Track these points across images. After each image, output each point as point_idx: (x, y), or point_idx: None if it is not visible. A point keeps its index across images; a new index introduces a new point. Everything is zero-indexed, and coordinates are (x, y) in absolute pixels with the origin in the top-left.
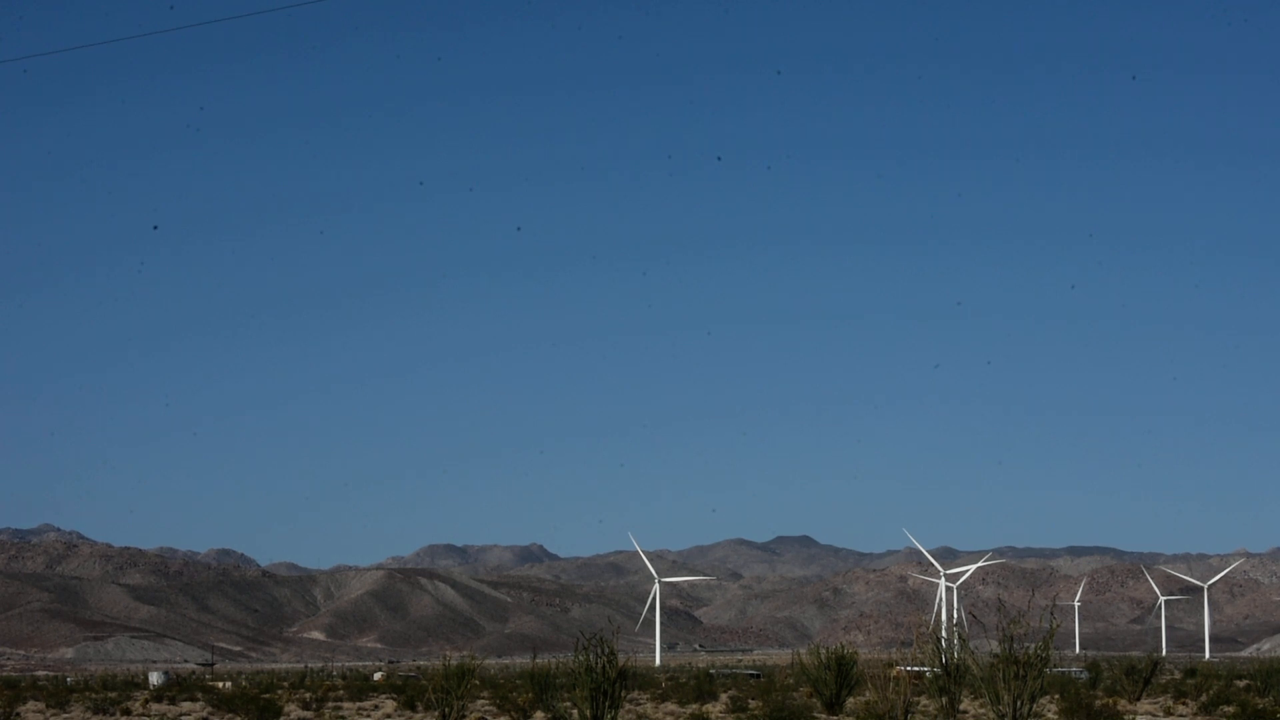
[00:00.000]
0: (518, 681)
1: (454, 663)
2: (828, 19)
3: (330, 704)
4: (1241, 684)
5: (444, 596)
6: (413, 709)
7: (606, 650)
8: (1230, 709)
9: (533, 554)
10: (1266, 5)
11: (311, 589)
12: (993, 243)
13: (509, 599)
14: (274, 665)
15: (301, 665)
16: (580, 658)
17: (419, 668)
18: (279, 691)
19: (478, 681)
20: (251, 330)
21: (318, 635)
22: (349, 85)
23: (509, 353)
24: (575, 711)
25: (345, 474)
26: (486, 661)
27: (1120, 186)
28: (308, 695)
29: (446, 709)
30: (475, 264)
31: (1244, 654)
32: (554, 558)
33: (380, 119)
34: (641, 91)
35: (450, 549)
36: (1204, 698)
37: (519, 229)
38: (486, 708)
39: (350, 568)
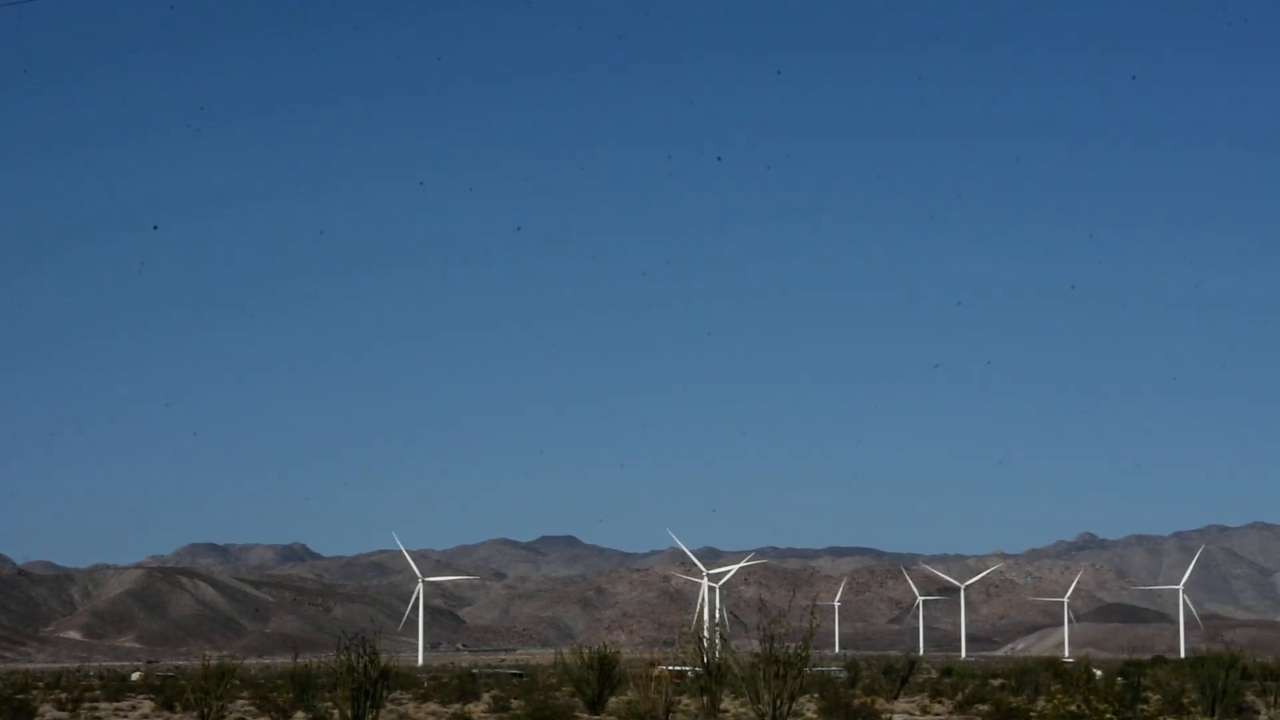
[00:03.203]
0: (279, 682)
1: (213, 663)
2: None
3: (86, 704)
4: (996, 683)
5: (204, 596)
6: (171, 709)
7: (368, 650)
8: (985, 707)
9: (295, 553)
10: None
11: (69, 588)
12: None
13: (270, 598)
14: (29, 665)
15: (58, 665)
16: (342, 658)
17: (178, 668)
18: (33, 692)
19: (238, 682)
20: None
21: (75, 635)
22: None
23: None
24: (336, 712)
25: (105, 471)
26: (247, 661)
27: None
28: (63, 696)
29: (205, 710)
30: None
31: (999, 653)
32: (317, 557)
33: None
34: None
35: (211, 548)
36: (959, 696)
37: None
38: (246, 708)
39: (109, 566)
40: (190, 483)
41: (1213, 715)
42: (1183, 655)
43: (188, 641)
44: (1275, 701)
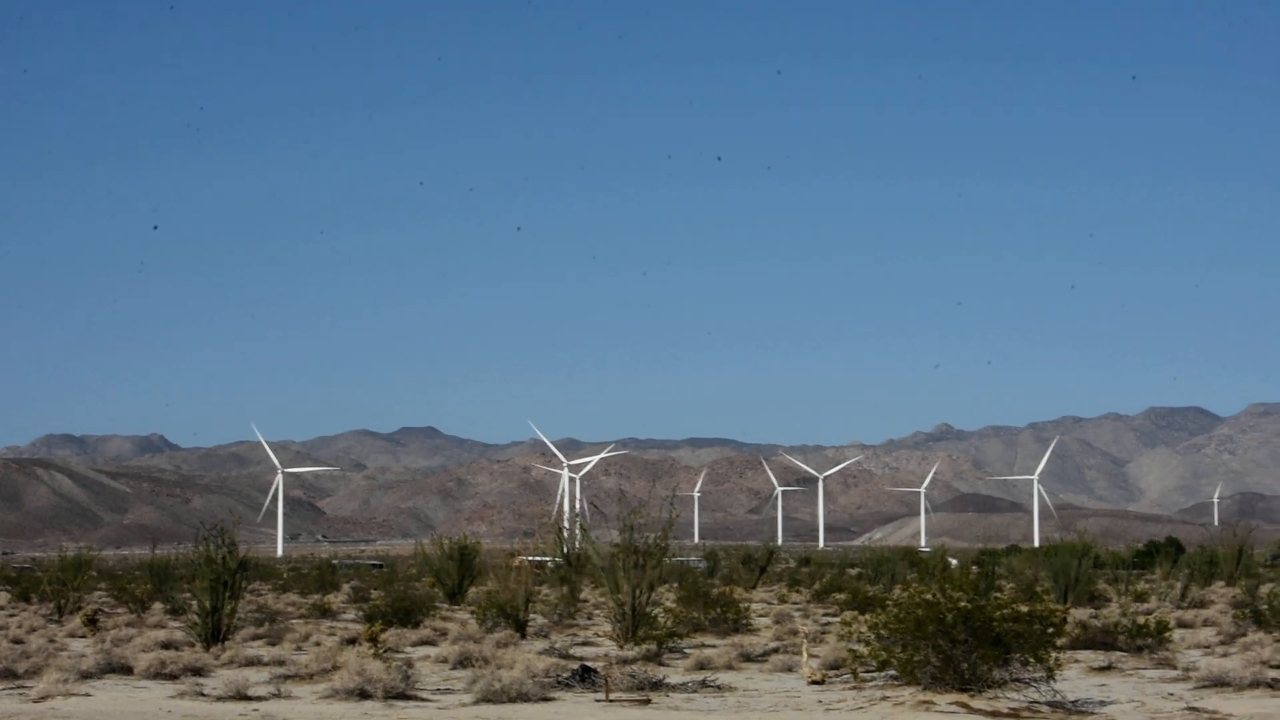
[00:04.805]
0: (136, 573)
1: (70, 554)
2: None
3: None
4: (853, 572)
5: (61, 487)
6: (27, 601)
7: (227, 541)
8: (841, 596)
9: (153, 444)
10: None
11: None
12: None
13: (128, 489)
14: None
15: None
16: (200, 549)
17: (34, 560)
18: None
19: (95, 573)
20: None
21: None
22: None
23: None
24: (194, 603)
25: None
26: (104, 553)
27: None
28: None
29: (62, 601)
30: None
31: (856, 543)
32: (175, 448)
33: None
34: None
35: (68, 439)
36: (817, 586)
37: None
38: (104, 600)
39: None
40: (47, 373)
41: (1065, 603)
42: (1037, 544)
43: (44, 533)
44: (1126, 590)
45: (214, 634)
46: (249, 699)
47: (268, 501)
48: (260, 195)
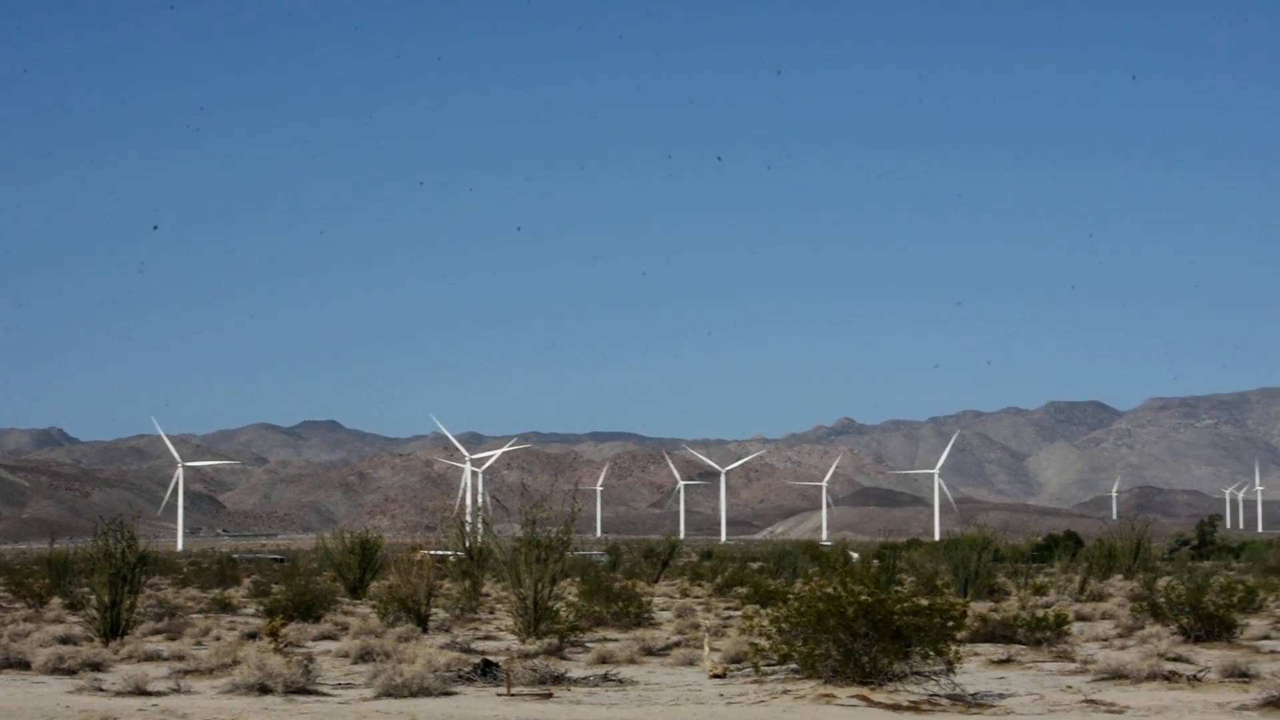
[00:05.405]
0: (35, 567)
1: None
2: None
3: None
4: (755, 566)
5: None
6: None
7: (126, 535)
8: (743, 590)
9: (51, 437)
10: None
11: None
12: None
13: (26, 483)
14: None
15: None
16: (99, 543)
17: None
18: None
19: None
20: None
21: None
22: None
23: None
24: (93, 597)
25: None
26: (2, 548)
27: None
28: None
29: None
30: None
31: (758, 536)
32: (74, 441)
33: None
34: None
35: None
36: (719, 580)
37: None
38: (1, 594)
39: None
40: None
41: (965, 597)
42: (937, 538)
43: None
44: (1025, 583)
45: (113, 629)
46: (148, 694)
47: (168, 495)
48: (170, 193)
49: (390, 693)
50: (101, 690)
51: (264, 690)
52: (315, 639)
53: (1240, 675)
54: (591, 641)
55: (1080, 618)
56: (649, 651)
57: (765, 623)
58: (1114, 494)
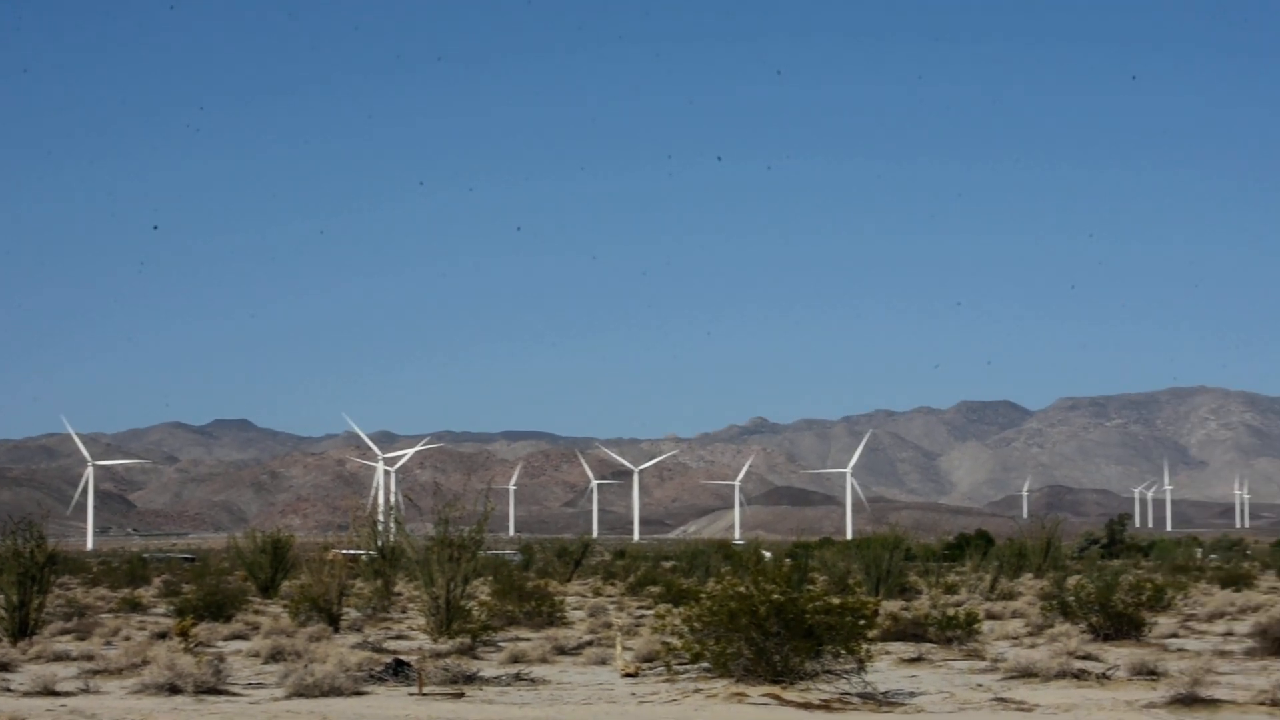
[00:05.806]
0: None
1: None
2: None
3: None
4: (668, 565)
5: None
6: None
7: (35, 534)
8: (656, 589)
9: None
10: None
11: None
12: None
13: None
14: None
15: None
16: (7, 543)
17: None
18: None
19: None
20: None
21: None
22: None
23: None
24: (1, 597)
25: None
26: None
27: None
28: None
29: None
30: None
31: (671, 536)
32: None
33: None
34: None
35: None
36: (631, 579)
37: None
38: None
39: None
40: None
41: (877, 596)
42: (849, 537)
43: None
44: (936, 582)
45: (21, 629)
46: (57, 694)
47: (77, 494)
48: (83, 195)
49: (301, 692)
50: (9, 691)
51: (174, 690)
52: (226, 639)
53: (1149, 673)
54: (504, 641)
55: (991, 616)
56: (561, 651)
57: (678, 622)
58: (1025, 493)
